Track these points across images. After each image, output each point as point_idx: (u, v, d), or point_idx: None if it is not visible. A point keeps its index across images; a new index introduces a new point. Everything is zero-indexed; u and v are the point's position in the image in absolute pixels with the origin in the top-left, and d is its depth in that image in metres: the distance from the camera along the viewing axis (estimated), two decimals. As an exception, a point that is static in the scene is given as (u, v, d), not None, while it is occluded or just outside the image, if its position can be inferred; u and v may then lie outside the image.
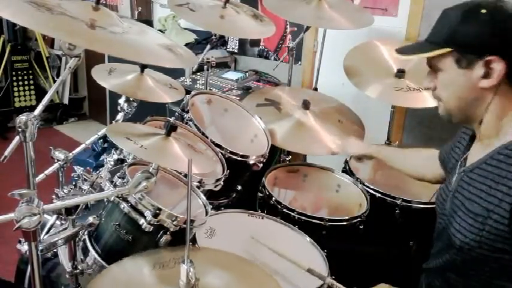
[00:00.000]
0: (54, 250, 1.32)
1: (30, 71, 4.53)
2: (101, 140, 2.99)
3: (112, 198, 1.25)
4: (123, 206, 1.21)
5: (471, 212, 1.06)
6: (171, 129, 1.24)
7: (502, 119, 1.08)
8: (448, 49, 1.08)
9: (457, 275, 1.15)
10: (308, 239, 1.48)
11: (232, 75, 3.00)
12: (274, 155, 2.21)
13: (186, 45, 3.17)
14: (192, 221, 1.22)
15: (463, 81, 1.08)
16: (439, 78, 1.13)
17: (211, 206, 1.40)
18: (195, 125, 1.65)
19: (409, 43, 1.32)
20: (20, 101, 4.50)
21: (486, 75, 1.04)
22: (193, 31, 3.39)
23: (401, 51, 1.22)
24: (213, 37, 2.37)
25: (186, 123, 1.67)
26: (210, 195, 1.55)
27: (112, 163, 1.73)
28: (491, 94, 1.07)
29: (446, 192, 1.19)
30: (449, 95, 1.13)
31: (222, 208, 1.63)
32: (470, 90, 1.08)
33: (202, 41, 3.29)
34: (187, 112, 1.69)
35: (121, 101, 1.84)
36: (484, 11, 1.03)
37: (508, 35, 1.02)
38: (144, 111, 1.79)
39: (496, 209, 1.00)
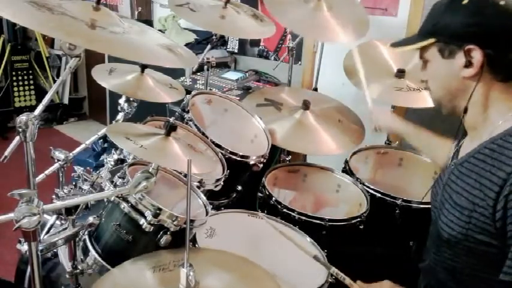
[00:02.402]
0: (54, 250, 1.32)
1: (30, 71, 4.53)
2: (101, 140, 3.00)
3: (112, 198, 1.25)
4: (123, 206, 1.21)
5: (458, 205, 1.07)
6: (171, 129, 1.23)
7: (488, 109, 1.09)
8: (432, 40, 1.10)
9: (447, 271, 1.15)
10: (308, 239, 1.48)
11: (232, 75, 3.00)
12: (274, 155, 2.21)
13: (186, 45, 3.17)
14: (192, 221, 1.22)
15: (446, 71, 1.11)
16: (427, 70, 1.16)
17: (211, 206, 1.40)
18: (195, 125, 1.65)
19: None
20: (20, 101, 4.50)
21: (467, 65, 1.06)
22: (193, 31, 3.39)
23: (395, 44, 1.26)
24: (213, 37, 2.38)
25: (186, 123, 1.67)
26: (210, 195, 1.55)
27: (112, 163, 1.73)
28: (473, 83, 1.08)
29: (440, 185, 1.20)
30: (436, 85, 1.17)
31: (222, 208, 1.63)
32: (454, 80, 1.10)
33: (202, 41, 3.29)
34: (188, 112, 1.69)
35: (121, 101, 1.85)
36: (465, 1, 1.05)
37: (486, 24, 1.03)
38: (144, 111, 1.79)
39: (481, 203, 1.01)
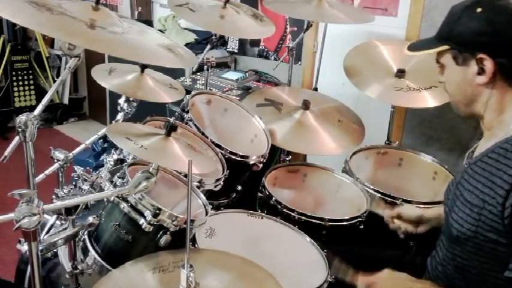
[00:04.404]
0: (54, 250, 1.32)
1: (30, 71, 4.53)
2: (101, 140, 3.00)
3: (112, 198, 1.25)
4: (123, 206, 1.21)
5: (469, 202, 1.08)
6: (171, 129, 1.23)
7: (503, 113, 1.10)
8: (446, 46, 1.12)
9: (456, 269, 1.15)
10: (308, 239, 1.48)
11: (232, 75, 3.00)
12: (274, 155, 2.21)
13: (186, 45, 3.17)
14: (192, 221, 1.22)
15: (461, 78, 1.12)
16: (444, 74, 1.18)
17: (211, 206, 1.40)
18: (195, 125, 1.65)
19: (410, 42, 1.33)
20: (20, 101, 4.50)
21: (480, 72, 1.07)
22: (193, 31, 3.39)
23: (411, 47, 1.26)
24: (213, 37, 2.37)
25: (186, 123, 1.67)
26: (210, 195, 1.55)
27: (112, 163, 1.73)
28: (488, 90, 1.09)
29: (453, 183, 1.22)
30: (453, 90, 1.18)
31: (222, 208, 1.63)
32: (469, 86, 1.11)
33: (202, 41, 3.29)
34: (187, 112, 1.69)
35: (121, 101, 1.84)
36: (479, 9, 1.06)
37: (498, 33, 1.04)
38: (144, 111, 1.79)
39: (490, 201, 1.02)
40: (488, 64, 1.05)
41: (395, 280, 1.18)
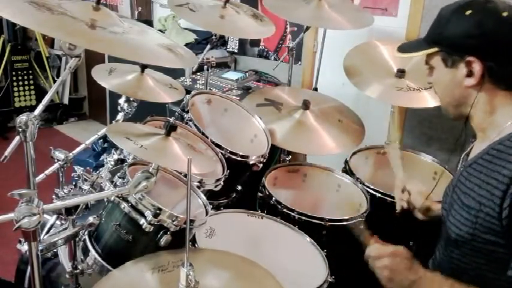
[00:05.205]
0: (54, 250, 1.32)
1: (30, 71, 4.54)
2: (101, 140, 3.00)
3: (112, 198, 1.25)
4: (124, 206, 1.21)
5: (465, 205, 1.08)
6: (171, 129, 1.23)
7: (493, 114, 1.10)
8: (436, 49, 1.13)
9: (455, 272, 1.15)
10: (308, 239, 1.48)
11: (232, 75, 3.00)
12: (274, 155, 2.21)
13: (186, 45, 3.17)
14: (192, 221, 1.22)
15: (450, 80, 1.13)
16: (433, 76, 1.18)
17: (211, 206, 1.40)
18: (195, 125, 1.65)
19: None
20: (20, 101, 4.50)
21: (469, 75, 1.08)
22: (193, 31, 3.39)
23: (400, 48, 1.27)
24: (213, 37, 2.38)
25: (186, 123, 1.67)
26: (210, 195, 1.55)
27: (112, 163, 1.73)
28: (475, 92, 1.10)
29: (450, 187, 1.22)
30: (441, 92, 1.19)
31: (222, 208, 1.63)
32: (457, 88, 1.12)
33: (202, 41, 3.29)
34: (187, 112, 1.69)
35: (121, 101, 1.84)
36: (468, 12, 1.07)
37: (487, 36, 1.05)
38: (144, 111, 1.79)
39: (487, 203, 1.02)
40: (477, 67, 1.06)
41: (405, 267, 1.15)
